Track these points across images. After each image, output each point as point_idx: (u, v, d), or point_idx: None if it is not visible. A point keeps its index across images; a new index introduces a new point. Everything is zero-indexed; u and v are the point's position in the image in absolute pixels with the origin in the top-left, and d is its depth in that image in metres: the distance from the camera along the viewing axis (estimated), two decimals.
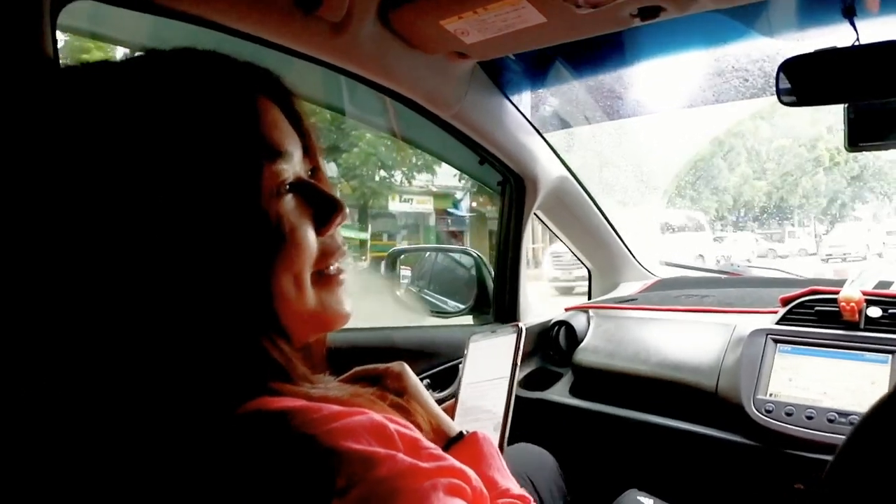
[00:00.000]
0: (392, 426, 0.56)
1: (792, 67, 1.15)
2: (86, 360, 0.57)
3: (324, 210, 0.66)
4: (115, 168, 0.56)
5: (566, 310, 2.01)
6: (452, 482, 0.54)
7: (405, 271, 2.22)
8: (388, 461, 0.51)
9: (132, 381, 0.56)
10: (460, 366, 1.01)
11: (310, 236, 0.64)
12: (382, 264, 2.21)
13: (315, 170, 0.71)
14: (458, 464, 0.58)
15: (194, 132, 0.57)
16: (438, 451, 0.58)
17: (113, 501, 0.55)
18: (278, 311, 0.61)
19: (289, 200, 0.63)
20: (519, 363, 0.92)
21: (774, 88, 1.16)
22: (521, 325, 0.96)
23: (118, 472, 0.54)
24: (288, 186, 0.63)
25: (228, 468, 0.53)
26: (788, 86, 1.16)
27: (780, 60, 1.16)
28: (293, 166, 0.65)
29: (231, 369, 0.58)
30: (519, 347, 0.93)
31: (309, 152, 0.69)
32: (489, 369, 0.97)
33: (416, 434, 0.59)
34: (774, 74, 1.17)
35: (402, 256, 2.25)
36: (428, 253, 2.49)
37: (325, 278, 0.67)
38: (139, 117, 0.57)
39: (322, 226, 0.66)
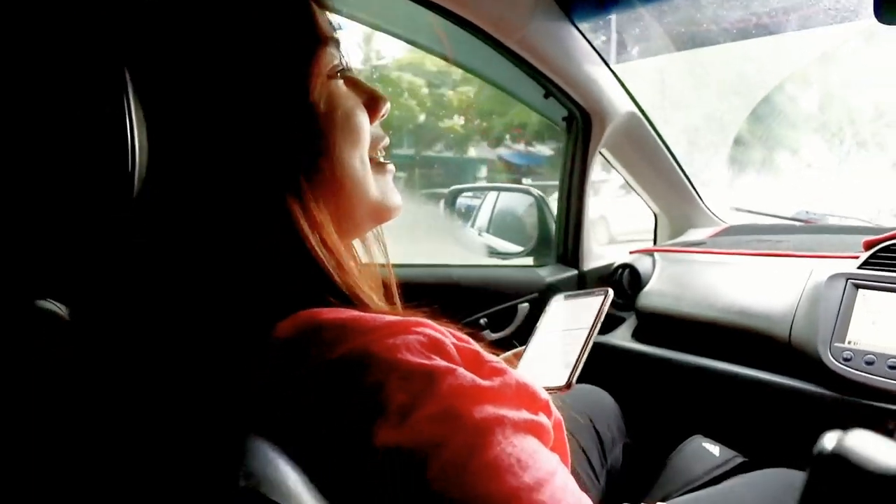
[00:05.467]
0: (449, 339, 0.54)
1: None
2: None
3: (370, 98, 0.68)
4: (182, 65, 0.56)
5: (630, 253, 1.95)
6: (523, 417, 0.50)
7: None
8: (448, 375, 0.49)
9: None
10: (538, 322, 1.00)
11: (365, 119, 0.66)
12: (442, 202, 2.18)
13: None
14: (524, 378, 0.54)
15: (250, 20, 0.58)
16: (501, 363, 0.55)
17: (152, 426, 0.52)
18: (343, 198, 0.63)
19: (342, 84, 0.64)
20: (601, 321, 0.90)
21: (872, 7, 1.05)
22: (609, 290, 0.94)
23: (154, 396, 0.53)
24: (340, 72, 0.64)
25: (275, 383, 0.51)
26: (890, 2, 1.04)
27: None
28: (340, 56, 0.65)
29: (277, 277, 0.57)
30: (604, 309, 0.92)
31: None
32: (567, 322, 0.95)
33: (476, 346, 0.57)
34: None
35: (462, 194, 2.22)
36: (488, 192, 2.44)
37: (379, 165, 0.70)
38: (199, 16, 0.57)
39: (370, 112, 0.67)
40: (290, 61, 0.58)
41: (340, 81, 0.64)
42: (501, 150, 9.69)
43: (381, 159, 0.70)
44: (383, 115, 0.70)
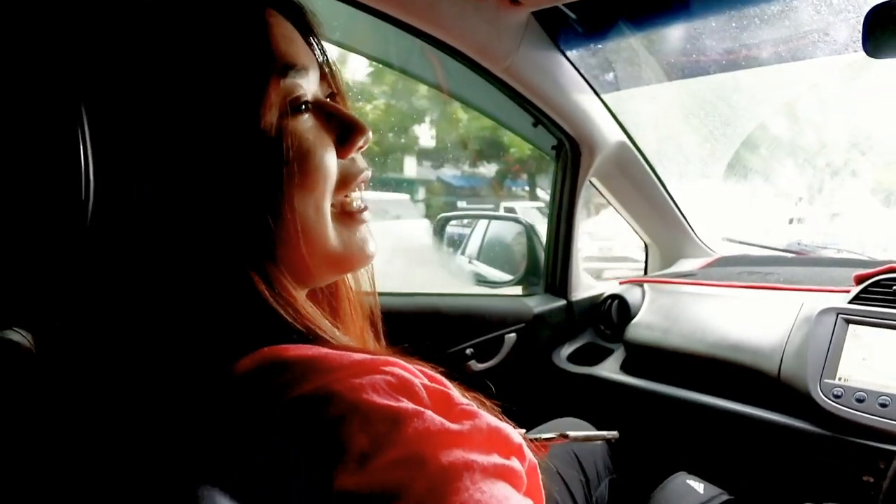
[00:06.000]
0: (420, 380, 0.51)
1: (882, 15, 1.02)
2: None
3: (345, 130, 0.61)
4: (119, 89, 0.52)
5: (620, 283, 1.93)
6: (493, 462, 0.47)
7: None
8: (415, 418, 0.46)
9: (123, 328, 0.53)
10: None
11: (330, 159, 0.59)
12: (431, 229, 2.17)
13: (334, 95, 0.65)
14: (496, 422, 0.51)
15: (197, 43, 0.53)
16: (473, 406, 0.52)
17: (107, 469, 0.49)
18: (295, 247, 0.56)
19: (306, 119, 0.58)
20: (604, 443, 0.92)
21: (861, 41, 1.04)
22: (616, 433, 0.96)
23: (111, 437, 0.50)
24: (304, 105, 0.58)
25: (233, 426, 0.48)
26: (879, 37, 1.04)
27: (867, 9, 1.03)
28: (310, 84, 0.59)
29: (231, 318, 0.53)
30: (607, 446, 0.93)
31: (327, 76, 0.64)
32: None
33: (449, 387, 0.54)
34: (860, 27, 1.06)
35: (452, 222, 2.20)
36: (477, 220, 2.42)
37: (347, 215, 0.62)
38: (139, 36, 0.53)
39: (343, 147, 0.61)
40: (227, 95, 0.53)
41: (305, 115, 0.58)
42: (442, 171, 9.55)
43: (353, 207, 0.63)
44: (361, 148, 0.63)
